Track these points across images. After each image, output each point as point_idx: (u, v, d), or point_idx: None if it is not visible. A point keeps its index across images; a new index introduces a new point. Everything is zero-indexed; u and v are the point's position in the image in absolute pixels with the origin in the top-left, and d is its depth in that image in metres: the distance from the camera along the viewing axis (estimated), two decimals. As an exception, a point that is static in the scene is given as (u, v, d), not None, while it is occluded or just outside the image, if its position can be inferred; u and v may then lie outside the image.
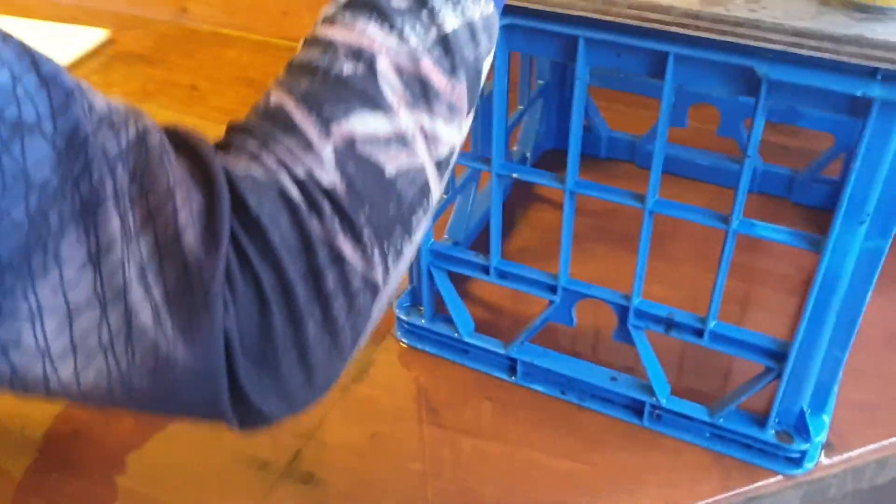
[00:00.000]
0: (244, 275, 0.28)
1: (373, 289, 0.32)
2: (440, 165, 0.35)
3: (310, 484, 0.60)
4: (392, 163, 0.32)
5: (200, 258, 0.27)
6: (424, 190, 0.34)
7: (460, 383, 0.67)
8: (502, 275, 0.62)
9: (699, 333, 0.57)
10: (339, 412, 0.65)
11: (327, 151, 0.31)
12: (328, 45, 0.33)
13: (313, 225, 0.30)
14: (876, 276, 0.52)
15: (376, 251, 0.32)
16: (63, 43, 1.09)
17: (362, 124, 0.32)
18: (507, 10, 0.48)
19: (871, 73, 0.42)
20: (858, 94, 0.42)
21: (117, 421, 0.64)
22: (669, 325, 0.58)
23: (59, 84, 0.25)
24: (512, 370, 0.66)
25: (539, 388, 0.66)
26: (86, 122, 0.26)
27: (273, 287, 0.29)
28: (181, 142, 0.30)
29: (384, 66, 0.32)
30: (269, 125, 0.32)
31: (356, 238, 0.31)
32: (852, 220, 0.48)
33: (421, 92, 0.33)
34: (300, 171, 0.30)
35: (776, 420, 0.58)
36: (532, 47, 0.51)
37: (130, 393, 0.28)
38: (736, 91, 0.46)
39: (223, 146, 0.31)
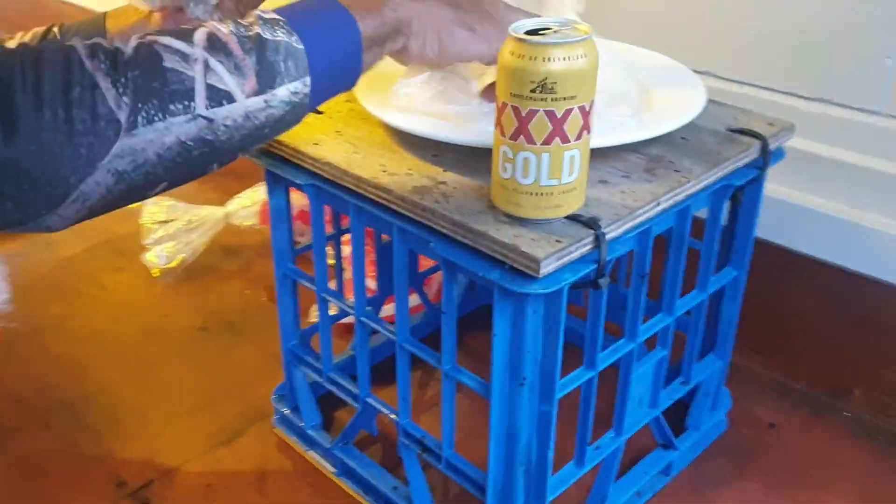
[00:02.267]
0: (23, 74, 0.47)
1: (116, 124, 0.48)
2: (211, 90, 0.51)
3: (143, 507, 0.77)
4: (169, 62, 0.50)
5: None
6: (189, 93, 0.51)
7: (297, 468, 0.81)
8: (330, 380, 0.77)
9: (439, 459, 0.68)
10: (196, 465, 0.81)
11: (133, 42, 0.51)
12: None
13: (82, 60, 0.48)
14: (552, 440, 0.61)
15: (127, 99, 0.48)
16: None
17: (166, 41, 0.51)
18: (311, 174, 0.66)
19: (502, 262, 0.55)
20: (481, 274, 0.55)
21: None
22: (423, 448, 0.69)
23: None
24: (335, 465, 0.79)
25: (350, 484, 0.78)
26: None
27: (30, 80, 0.47)
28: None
29: (200, 31, 0.52)
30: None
31: (114, 80, 0.48)
32: (512, 381, 0.59)
33: (218, 46, 0.52)
34: (102, 43, 0.50)
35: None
36: (333, 204, 0.68)
37: None
38: (435, 258, 0.60)
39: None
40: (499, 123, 0.53)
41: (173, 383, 0.92)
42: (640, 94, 0.69)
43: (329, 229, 0.81)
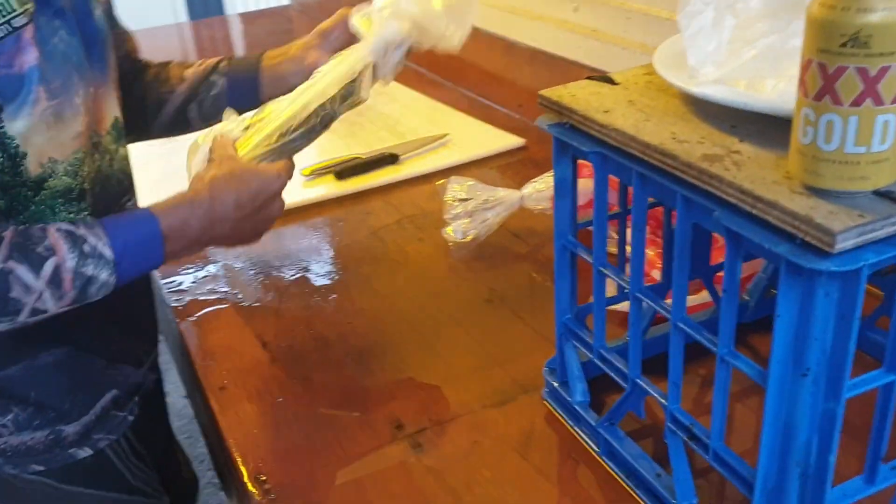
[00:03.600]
0: None
1: None
2: (34, 311, 0.71)
3: (416, 450, 0.82)
4: (15, 292, 0.70)
5: None
6: (18, 312, 0.71)
7: (562, 440, 0.81)
8: (600, 357, 0.76)
9: (707, 449, 0.64)
10: (467, 421, 0.85)
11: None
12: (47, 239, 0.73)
13: None
14: (836, 443, 0.55)
15: None
16: (489, 139, 1.49)
17: (20, 272, 0.70)
18: (597, 142, 0.66)
19: (792, 236, 0.50)
20: (766, 246, 0.51)
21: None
22: (691, 435, 0.66)
23: None
24: (598, 444, 0.78)
25: (612, 465, 0.77)
26: None
27: None
28: None
29: (50, 263, 0.71)
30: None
31: None
32: (794, 372, 0.54)
33: (56, 282, 0.71)
34: None
35: (759, 560, 0.61)
36: (616, 173, 0.67)
37: None
38: (718, 230, 0.57)
39: None
40: (802, 83, 0.49)
41: (454, 345, 0.97)
42: None
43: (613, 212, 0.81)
